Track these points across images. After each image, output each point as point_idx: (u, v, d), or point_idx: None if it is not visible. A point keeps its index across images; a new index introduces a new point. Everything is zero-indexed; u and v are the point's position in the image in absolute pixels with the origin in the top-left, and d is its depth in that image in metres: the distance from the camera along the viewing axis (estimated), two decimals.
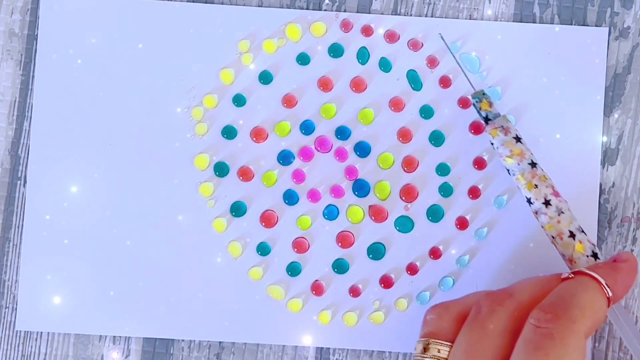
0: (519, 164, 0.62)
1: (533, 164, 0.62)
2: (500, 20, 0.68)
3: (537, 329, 0.54)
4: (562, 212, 0.61)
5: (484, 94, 0.64)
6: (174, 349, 0.66)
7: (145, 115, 0.67)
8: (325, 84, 0.67)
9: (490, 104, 0.63)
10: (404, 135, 0.67)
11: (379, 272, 0.66)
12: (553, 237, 0.61)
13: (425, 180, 0.67)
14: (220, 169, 0.67)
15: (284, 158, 0.67)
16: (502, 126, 0.62)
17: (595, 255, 0.61)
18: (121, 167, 0.66)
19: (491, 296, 0.57)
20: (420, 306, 0.66)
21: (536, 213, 0.62)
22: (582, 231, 0.61)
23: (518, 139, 0.62)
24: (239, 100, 0.67)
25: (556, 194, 0.61)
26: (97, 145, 0.66)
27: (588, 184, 0.66)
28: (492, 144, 0.63)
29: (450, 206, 0.66)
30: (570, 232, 0.61)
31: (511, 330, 0.55)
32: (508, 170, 0.62)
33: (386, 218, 0.66)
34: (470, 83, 0.65)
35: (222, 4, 0.67)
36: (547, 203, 0.61)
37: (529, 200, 0.62)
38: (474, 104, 0.64)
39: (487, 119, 0.63)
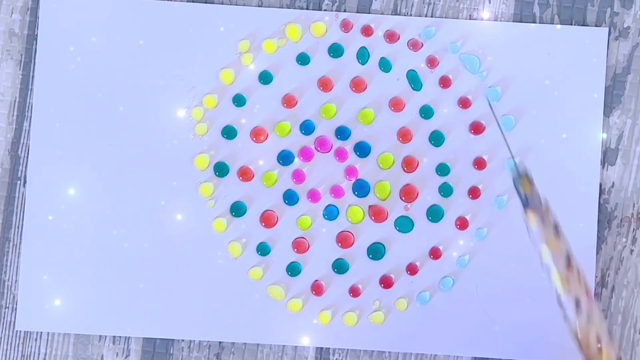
0: (553, 256, 0.57)
1: (568, 258, 0.57)
2: (500, 20, 0.68)
3: None
4: (592, 315, 0.57)
5: (526, 174, 0.57)
6: (174, 349, 0.66)
7: (145, 115, 0.67)
8: (325, 84, 0.67)
9: (531, 183, 0.57)
10: (404, 135, 0.67)
11: (378, 272, 0.66)
12: (578, 339, 0.57)
13: (425, 181, 0.67)
14: (220, 169, 0.67)
15: (284, 158, 0.67)
16: (542, 212, 0.57)
17: None
18: (121, 167, 0.66)
19: None
20: (420, 306, 0.66)
21: (563, 308, 0.57)
22: (609, 333, 0.58)
23: (557, 228, 0.57)
24: (239, 100, 0.67)
25: (588, 293, 0.57)
26: (97, 146, 0.66)
27: (588, 184, 0.66)
28: (527, 227, 0.58)
29: (450, 206, 0.66)
30: (597, 336, 0.57)
31: None
32: (541, 259, 0.57)
33: (386, 218, 0.66)
34: (509, 148, 0.61)
35: (222, 4, 0.67)
36: (577, 304, 0.56)
37: (558, 298, 0.57)
38: (513, 182, 0.58)
39: (525, 198, 0.57)
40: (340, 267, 0.66)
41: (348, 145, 0.67)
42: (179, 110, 0.67)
